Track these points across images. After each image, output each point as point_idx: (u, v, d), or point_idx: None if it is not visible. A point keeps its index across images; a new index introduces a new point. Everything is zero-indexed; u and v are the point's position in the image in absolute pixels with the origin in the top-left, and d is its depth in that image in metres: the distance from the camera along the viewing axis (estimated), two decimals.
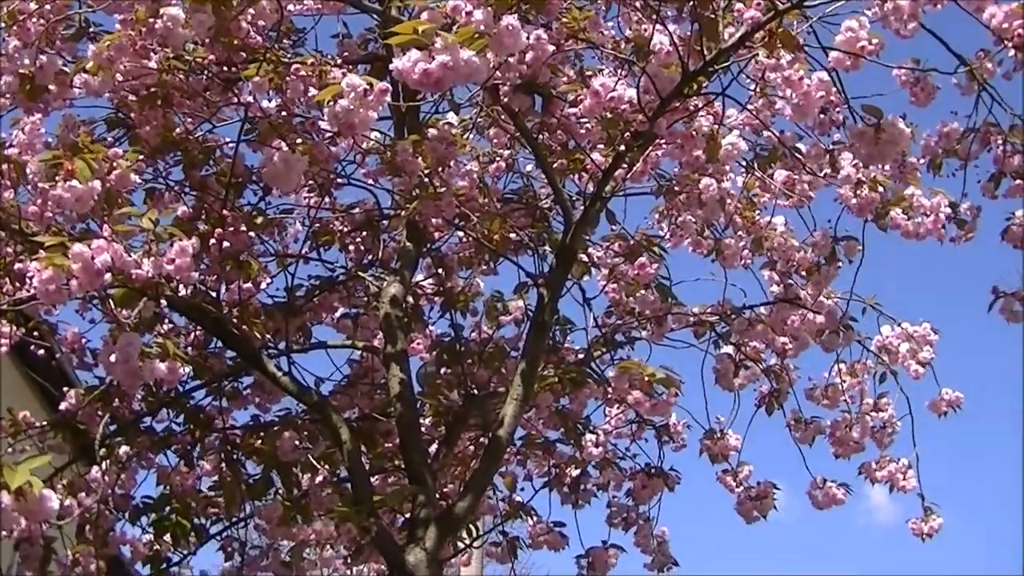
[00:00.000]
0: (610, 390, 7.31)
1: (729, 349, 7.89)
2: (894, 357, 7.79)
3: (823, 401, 8.01)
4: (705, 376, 7.89)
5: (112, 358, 5.08)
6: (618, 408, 7.95)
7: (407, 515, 6.59)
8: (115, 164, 5.33)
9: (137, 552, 7.31)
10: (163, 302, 5.75)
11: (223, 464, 7.45)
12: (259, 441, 7.38)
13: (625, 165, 6.77)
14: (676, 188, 7.13)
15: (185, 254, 5.12)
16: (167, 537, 7.22)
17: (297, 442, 7.14)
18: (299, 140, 5.94)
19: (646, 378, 6.41)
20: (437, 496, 6.87)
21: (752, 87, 6.50)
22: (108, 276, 4.86)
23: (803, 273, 7.46)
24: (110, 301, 5.56)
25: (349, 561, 8.03)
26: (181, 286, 6.18)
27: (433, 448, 7.41)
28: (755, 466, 7.86)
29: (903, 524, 7.91)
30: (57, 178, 4.97)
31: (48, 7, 5.80)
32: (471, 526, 7.71)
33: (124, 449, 7.25)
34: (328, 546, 7.47)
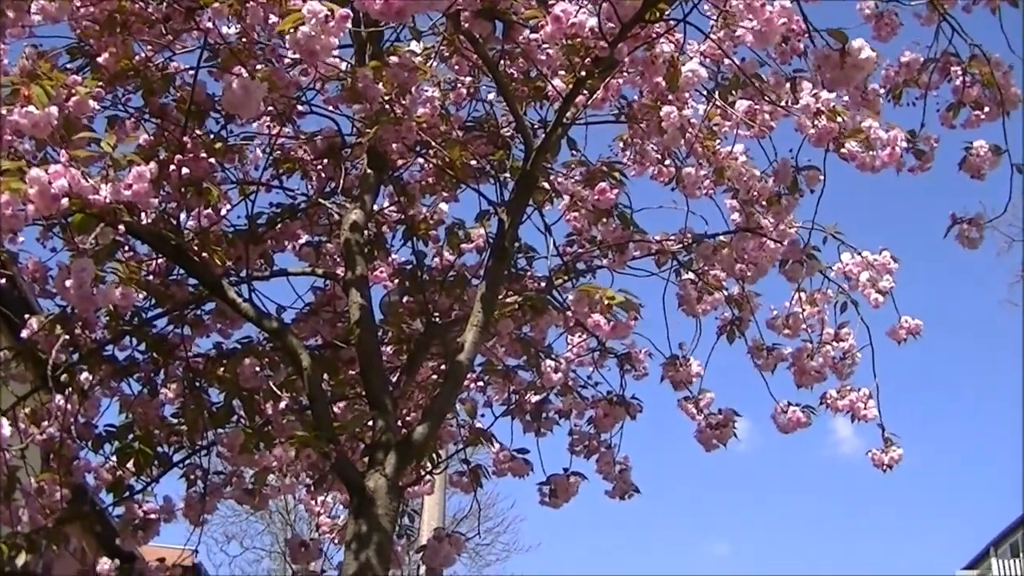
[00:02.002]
0: (570, 315, 7.34)
1: (691, 277, 7.92)
2: (854, 285, 7.83)
3: (784, 330, 8.06)
4: (667, 305, 7.94)
5: (67, 283, 5.07)
6: (580, 336, 7.99)
7: (368, 442, 6.62)
8: (74, 91, 5.32)
9: (101, 480, 7.31)
10: (122, 228, 5.73)
11: (186, 392, 7.45)
12: (222, 369, 7.39)
13: (586, 92, 6.76)
14: (637, 115, 7.13)
15: (143, 179, 5.11)
16: (130, 465, 7.22)
17: (258, 369, 7.15)
18: (259, 67, 5.92)
19: (606, 301, 6.42)
20: (399, 423, 6.90)
21: (714, 16, 6.51)
22: (65, 201, 4.87)
23: (764, 203, 7.48)
24: (70, 229, 5.56)
25: (312, 490, 8.08)
26: (142, 213, 6.20)
27: (395, 377, 7.44)
28: (718, 402, 7.94)
29: (867, 456, 8.00)
30: (14, 105, 4.95)
31: None
32: (433, 454, 7.76)
33: (85, 376, 7.24)
34: (290, 473, 7.48)
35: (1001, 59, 6.80)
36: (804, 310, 7.99)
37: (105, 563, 7.11)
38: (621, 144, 7.54)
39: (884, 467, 7.92)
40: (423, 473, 7.82)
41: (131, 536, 7.10)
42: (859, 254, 7.85)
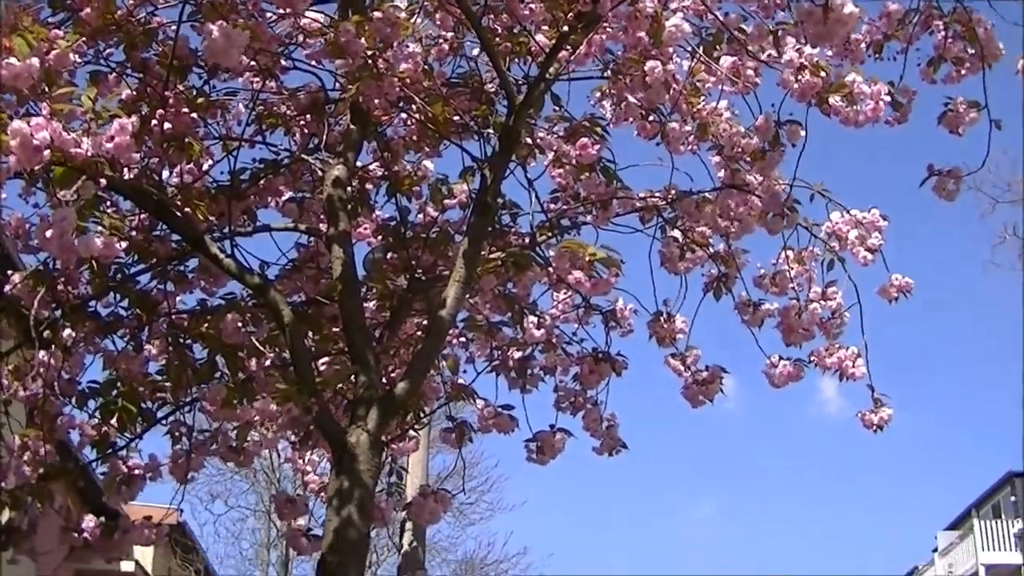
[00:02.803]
0: (553, 271, 7.35)
1: (676, 234, 7.92)
2: (843, 244, 7.83)
3: (771, 288, 8.05)
4: (652, 261, 7.94)
5: (47, 234, 5.06)
6: (564, 293, 8.00)
7: (350, 398, 6.63)
8: (55, 44, 5.30)
9: (85, 436, 7.31)
10: (104, 183, 5.71)
11: (169, 348, 7.45)
12: (205, 325, 7.38)
13: (569, 47, 6.75)
14: (621, 70, 7.12)
15: (124, 132, 5.09)
16: (114, 421, 7.22)
17: (240, 324, 7.15)
18: (240, 21, 5.90)
19: (587, 258, 6.42)
20: (382, 379, 6.90)
21: None
22: (47, 154, 4.85)
23: (748, 159, 7.48)
24: (52, 184, 5.54)
25: (298, 447, 8.09)
26: (124, 168, 6.17)
27: (378, 333, 7.44)
28: (705, 364, 7.95)
29: (853, 417, 8.02)
30: None
31: None
32: (416, 410, 7.78)
33: (68, 332, 7.23)
34: (272, 427, 7.48)
35: (982, 15, 6.81)
36: (792, 268, 7.98)
37: (90, 520, 7.11)
38: (599, 94, 7.51)
39: (874, 427, 7.93)
40: (406, 429, 7.83)
41: (116, 493, 7.10)
42: (848, 212, 7.84)
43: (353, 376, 6.52)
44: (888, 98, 6.91)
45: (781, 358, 7.94)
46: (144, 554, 39.51)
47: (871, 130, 6.90)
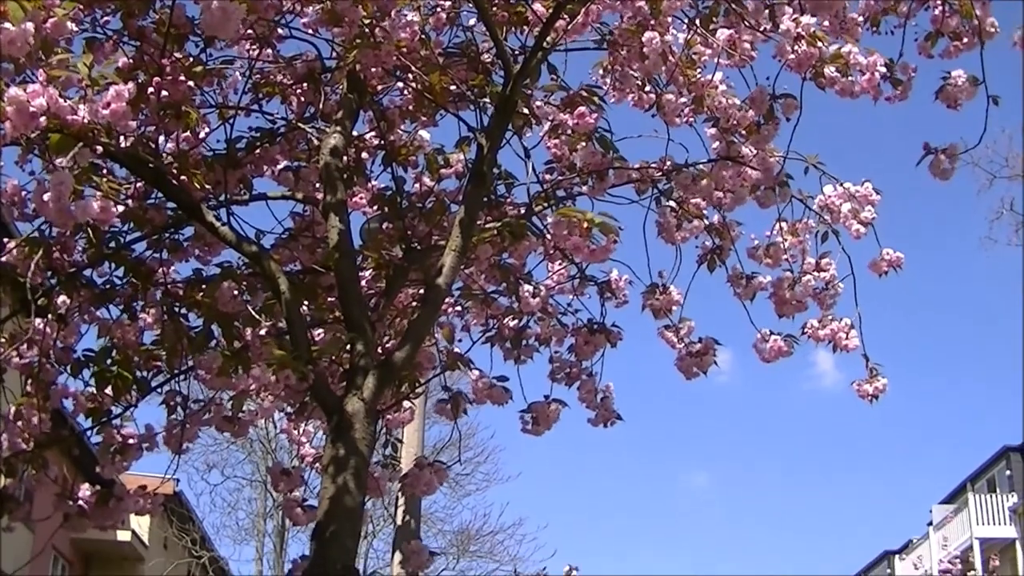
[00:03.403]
0: (549, 239, 7.35)
1: (672, 205, 7.91)
2: (836, 217, 7.83)
3: (765, 260, 8.05)
4: (647, 233, 7.94)
5: (44, 197, 5.05)
6: (560, 264, 8.00)
7: (346, 366, 6.64)
8: (52, 11, 5.29)
9: (79, 405, 7.31)
10: (100, 150, 5.71)
11: (164, 317, 7.45)
12: (200, 294, 7.39)
13: (566, 17, 6.74)
14: (619, 41, 7.11)
15: (120, 99, 5.10)
16: (109, 390, 7.23)
17: (236, 293, 7.15)
18: None
19: (584, 224, 6.42)
20: (377, 349, 6.91)
21: None
22: (43, 120, 4.85)
23: (743, 131, 7.48)
24: (49, 151, 5.54)
25: (293, 418, 8.09)
26: (120, 137, 6.17)
27: (374, 303, 7.45)
28: (699, 337, 7.95)
29: (848, 391, 8.03)
30: None
31: None
32: (412, 380, 7.79)
33: (62, 299, 7.23)
34: (268, 396, 7.49)
35: None
36: (785, 240, 7.98)
37: (85, 489, 7.13)
38: (601, 71, 7.51)
39: (869, 397, 7.94)
40: (401, 398, 7.84)
41: (110, 462, 7.11)
42: (841, 185, 7.84)
43: (349, 344, 6.53)
44: (884, 69, 6.92)
45: (772, 333, 7.95)
46: (140, 524, 39.69)
47: (867, 105, 6.91)
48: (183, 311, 7.49)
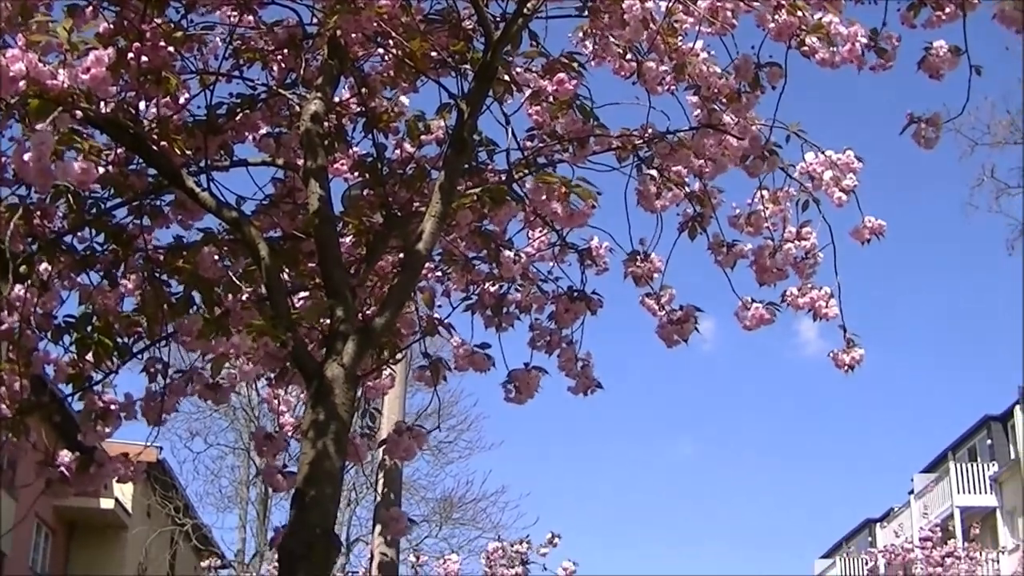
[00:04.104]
0: (528, 203, 7.35)
1: (653, 173, 7.91)
2: (817, 184, 7.84)
3: (746, 228, 8.06)
4: (628, 201, 7.94)
5: (25, 157, 5.04)
6: (541, 231, 8.00)
7: (326, 332, 6.64)
8: None
9: (60, 371, 7.31)
10: (80, 115, 5.70)
11: (145, 283, 7.45)
12: (181, 260, 7.38)
13: None
14: (599, 8, 7.10)
15: (100, 64, 5.10)
16: (89, 356, 7.23)
17: (217, 257, 7.15)
18: None
19: (563, 189, 6.42)
20: (358, 314, 6.91)
21: None
22: (22, 85, 4.84)
23: (724, 100, 7.48)
24: (28, 117, 5.53)
25: (273, 384, 8.10)
26: (101, 101, 6.16)
27: (354, 269, 7.45)
28: (681, 304, 7.97)
29: (827, 357, 8.04)
30: None
31: None
32: (392, 346, 7.79)
33: (44, 266, 7.22)
34: (247, 359, 7.49)
35: None
36: (767, 208, 7.99)
37: (66, 455, 7.13)
38: (581, 34, 7.50)
39: (846, 367, 7.97)
40: (381, 364, 7.85)
41: (92, 428, 7.11)
42: (822, 153, 7.85)
43: (329, 310, 6.53)
44: (865, 40, 6.94)
45: (753, 300, 7.96)
46: (124, 492, 39.71)
47: (850, 75, 6.93)
48: (164, 277, 7.48)
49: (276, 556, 6.33)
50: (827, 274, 8.03)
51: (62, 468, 7.08)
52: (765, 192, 8.02)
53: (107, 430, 7.17)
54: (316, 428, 6.06)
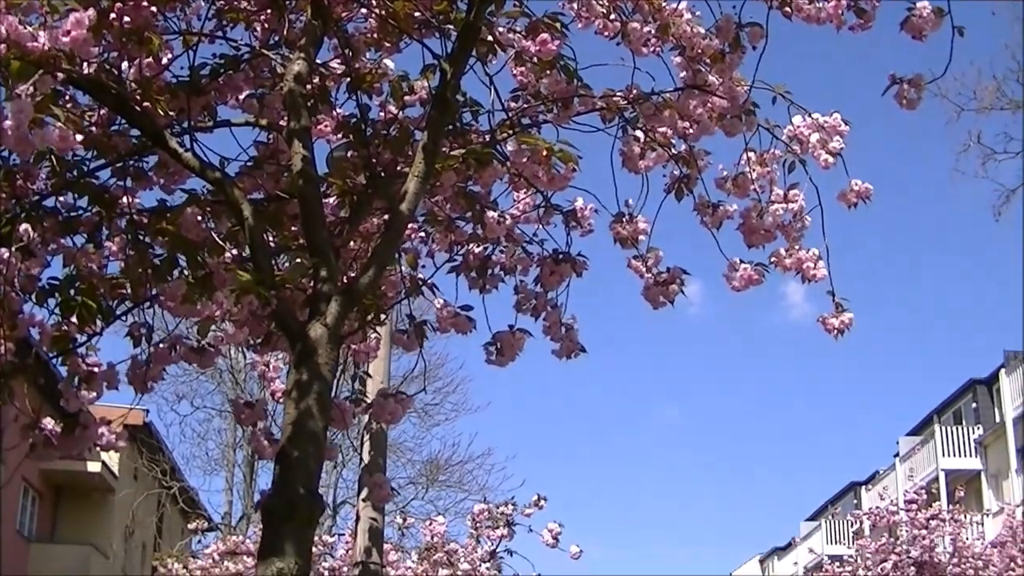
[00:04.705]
0: (510, 165, 7.34)
1: (638, 134, 7.89)
2: (804, 147, 7.81)
3: (733, 190, 8.04)
4: (614, 163, 7.90)
5: (4, 125, 5.03)
6: (525, 193, 7.98)
7: (310, 293, 6.63)
8: None
9: (45, 334, 7.29)
10: (61, 76, 5.69)
11: (128, 246, 7.42)
12: (164, 222, 7.36)
13: None
14: None
15: (80, 26, 5.07)
16: (74, 318, 7.21)
17: (200, 218, 7.13)
18: None
19: (544, 152, 6.40)
20: (343, 278, 6.90)
21: None
22: (3, 47, 4.82)
23: (708, 60, 7.46)
24: (9, 79, 5.51)
25: (259, 349, 8.09)
26: (83, 63, 6.13)
27: (338, 230, 7.44)
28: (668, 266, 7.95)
29: (817, 323, 8.02)
30: None
31: None
32: (376, 307, 7.78)
33: (25, 227, 7.19)
34: (232, 321, 7.49)
35: None
36: (753, 171, 7.97)
37: (49, 421, 7.12)
38: None
39: (835, 332, 7.94)
40: (365, 324, 7.83)
41: (75, 393, 7.09)
42: (810, 116, 7.83)
43: (312, 270, 6.52)
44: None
45: (742, 262, 7.94)
46: (110, 455, 39.73)
47: (837, 41, 6.93)
48: (147, 240, 7.46)
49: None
50: (815, 238, 8.01)
51: (47, 431, 7.08)
52: (752, 154, 7.99)
53: (92, 395, 7.15)
54: (299, 389, 6.06)
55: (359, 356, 8.63)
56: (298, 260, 7.17)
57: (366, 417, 10.98)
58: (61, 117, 5.35)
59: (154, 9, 6.83)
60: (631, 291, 8.01)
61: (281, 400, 7.89)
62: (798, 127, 7.82)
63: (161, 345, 7.40)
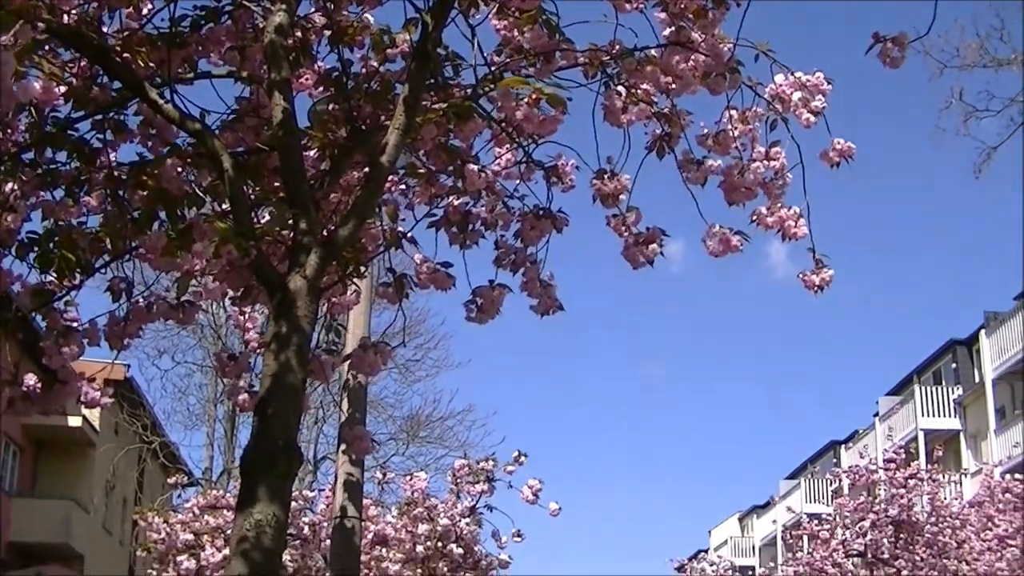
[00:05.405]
0: (497, 111, 7.31)
1: (620, 90, 7.85)
2: (786, 106, 7.78)
3: (714, 148, 8.00)
4: (596, 120, 7.88)
5: None
6: (506, 148, 7.96)
7: (290, 245, 6.62)
8: None
9: (24, 289, 7.28)
10: (42, 26, 5.66)
11: (108, 200, 7.40)
12: (144, 176, 7.32)
13: None
14: None
15: None
16: (53, 273, 7.19)
17: (180, 169, 7.11)
18: None
19: (533, 94, 6.37)
20: (323, 231, 6.88)
21: None
22: None
23: (691, 16, 7.43)
24: None
25: (238, 302, 8.07)
26: (64, 15, 6.10)
27: (319, 183, 7.41)
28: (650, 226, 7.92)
29: (799, 281, 8.01)
30: None
31: None
32: (356, 260, 7.77)
33: (9, 187, 7.17)
34: (212, 274, 7.47)
35: None
36: (735, 128, 7.94)
37: (31, 377, 7.12)
38: None
39: (815, 288, 7.92)
40: (345, 277, 7.82)
41: (55, 349, 7.08)
42: (792, 74, 7.79)
43: (292, 222, 6.51)
44: None
45: (721, 227, 7.91)
46: (91, 410, 39.70)
47: (826, 7, 6.89)
48: (127, 195, 7.42)
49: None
50: (796, 197, 7.99)
51: (27, 387, 7.08)
52: (734, 112, 7.96)
53: (72, 349, 7.14)
54: (279, 340, 6.06)
55: (337, 309, 8.62)
56: (277, 209, 7.15)
57: (346, 370, 10.96)
58: (45, 68, 5.31)
59: None
60: (613, 248, 7.99)
61: (256, 349, 7.90)
62: (780, 86, 7.79)
63: (139, 302, 7.39)
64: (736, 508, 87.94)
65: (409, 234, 7.96)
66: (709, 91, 7.68)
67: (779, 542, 66.78)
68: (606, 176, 7.90)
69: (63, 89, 6.92)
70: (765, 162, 7.90)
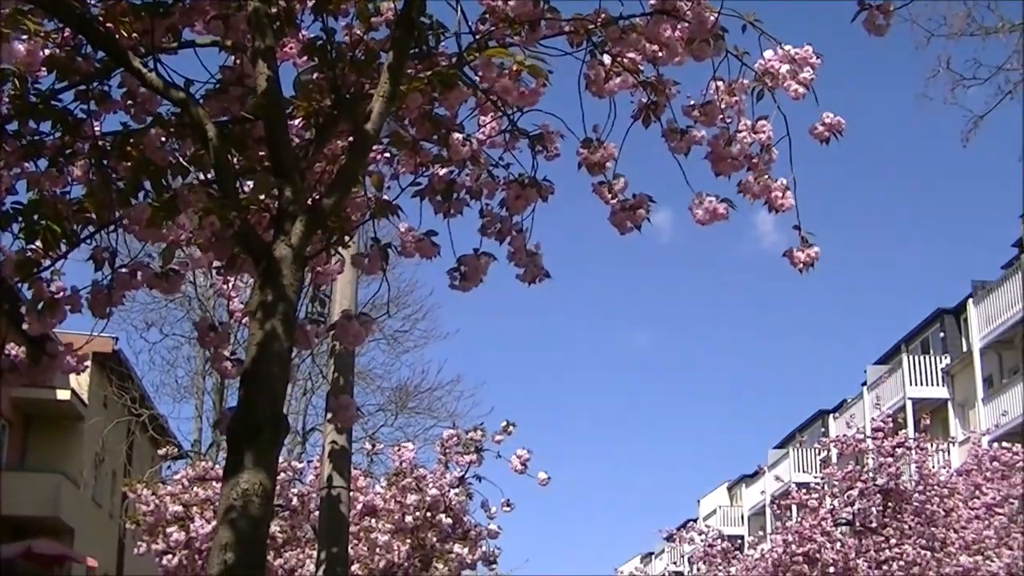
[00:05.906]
0: (480, 81, 7.30)
1: (606, 59, 7.83)
2: (774, 80, 7.76)
3: (700, 118, 7.98)
4: (582, 89, 7.84)
5: None
6: (491, 116, 7.94)
7: (275, 213, 6.61)
8: None
9: (8, 260, 7.26)
10: None
11: (92, 170, 7.37)
12: (129, 147, 7.31)
13: None
14: None
15: None
16: (38, 243, 7.18)
17: (164, 139, 7.09)
18: None
19: (514, 66, 6.34)
20: (308, 200, 6.87)
21: None
22: None
23: None
24: None
25: (223, 272, 8.06)
26: None
27: (304, 152, 7.39)
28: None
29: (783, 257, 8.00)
30: None
31: None
32: (342, 228, 7.75)
33: None
34: (197, 244, 7.45)
35: None
36: (722, 99, 7.92)
37: (14, 347, 7.10)
38: None
39: (801, 265, 7.91)
40: (330, 245, 7.80)
41: (38, 319, 7.06)
42: (781, 47, 7.77)
43: (277, 191, 6.49)
44: None
45: (708, 195, 7.90)
46: (80, 383, 39.76)
47: None
48: (111, 165, 7.40)
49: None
50: (783, 169, 7.97)
51: (12, 358, 7.07)
52: (720, 83, 7.94)
53: (53, 320, 7.13)
54: (264, 309, 6.06)
55: (322, 278, 8.60)
56: (262, 179, 7.12)
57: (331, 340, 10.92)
58: (31, 28, 5.28)
59: None
60: (600, 217, 7.98)
61: (239, 320, 7.89)
62: (769, 60, 7.76)
63: (123, 270, 7.37)
64: (725, 478, 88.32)
65: (394, 202, 7.93)
66: (693, 57, 7.65)
67: (768, 511, 66.97)
68: (592, 145, 7.88)
69: (46, 52, 6.89)
70: (752, 134, 7.88)
